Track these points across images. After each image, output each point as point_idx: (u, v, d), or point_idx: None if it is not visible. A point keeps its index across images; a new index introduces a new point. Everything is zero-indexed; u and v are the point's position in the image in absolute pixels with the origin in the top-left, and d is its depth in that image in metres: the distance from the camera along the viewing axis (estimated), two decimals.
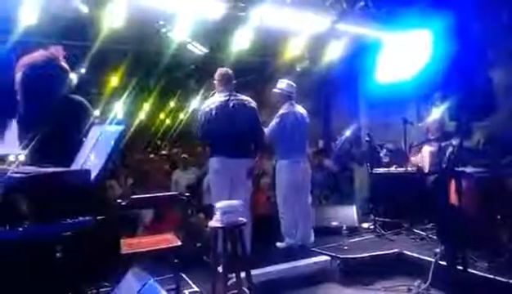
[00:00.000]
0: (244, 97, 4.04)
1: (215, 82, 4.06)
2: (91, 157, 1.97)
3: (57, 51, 2.54)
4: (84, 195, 1.69)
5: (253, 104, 4.05)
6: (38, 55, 2.49)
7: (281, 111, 4.43)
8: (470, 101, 4.36)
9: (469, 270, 3.12)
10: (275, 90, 4.54)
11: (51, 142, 2.27)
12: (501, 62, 4.63)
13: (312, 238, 4.48)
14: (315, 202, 4.67)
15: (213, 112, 3.86)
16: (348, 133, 6.87)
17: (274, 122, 4.41)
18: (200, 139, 4.06)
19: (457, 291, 3.03)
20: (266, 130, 4.32)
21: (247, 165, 3.97)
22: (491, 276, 3.18)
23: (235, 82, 4.11)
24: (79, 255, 1.69)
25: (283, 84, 4.54)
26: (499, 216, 3.48)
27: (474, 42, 4.82)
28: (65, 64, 2.57)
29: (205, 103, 4.02)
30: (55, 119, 2.33)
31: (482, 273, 3.24)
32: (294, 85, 4.58)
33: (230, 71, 4.08)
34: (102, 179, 1.89)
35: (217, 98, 3.96)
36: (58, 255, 1.62)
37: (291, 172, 4.36)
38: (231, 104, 3.90)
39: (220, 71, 4.06)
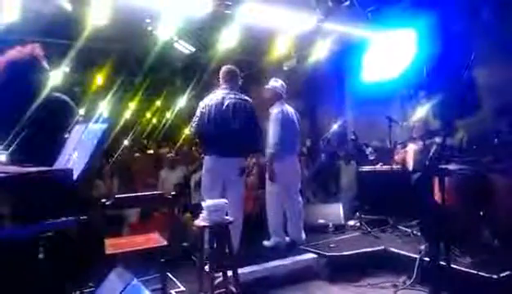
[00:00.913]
0: (243, 96, 3.99)
1: (219, 79, 4.03)
2: (74, 155, 1.95)
3: (35, 49, 2.49)
4: (67, 195, 1.67)
5: (252, 103, 4.02)
6: (15, 52, 2.43)
7: (275, 110, 4.38)
8: (454, 100, 4.42)
9: (453, 266, 3.16)
10: (268, 87, 4.48)
11: (34, 141, 2.23)
12: (484, 61, 4.71)
13: (304, 236, 4.48)
14: (303, 200, 4.68)
15: (208, 109, 3.83)
16: (335, 126, 6.89)
17: (273, 123, 4.30)
18: (194, 135, 4.02)
19: (441, 286, 3.07)
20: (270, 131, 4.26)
21: (240, 164, 3.93)
22: (474, 271, 3.23)
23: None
24: (62, 256, 1.66)
25: (277, 83, 4.49)
26: (481, 213, 3.54)
27: (458, 41, 4.90)
28: (43, 62, 2.52)
29: (204, 100, 3.96)
30: (37, 118, 2.29)
31: (465, 269, 3.30)
32: (285, 85, 4.56)
33: (234, 68, 4.05)
34: (86, 178, 1.86)
35: (215, 95, 3.92)
36: (40, 256, 1.59)
37: (281, 171, 4.33)
38: (228, 103, 3.85)
39: (224, 68, 4.04)
